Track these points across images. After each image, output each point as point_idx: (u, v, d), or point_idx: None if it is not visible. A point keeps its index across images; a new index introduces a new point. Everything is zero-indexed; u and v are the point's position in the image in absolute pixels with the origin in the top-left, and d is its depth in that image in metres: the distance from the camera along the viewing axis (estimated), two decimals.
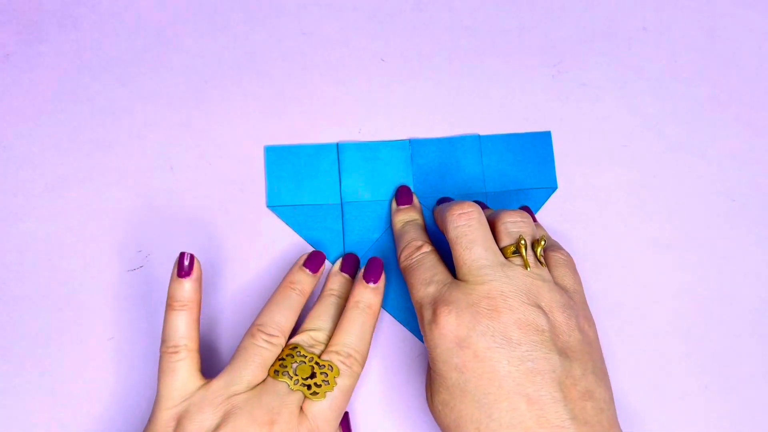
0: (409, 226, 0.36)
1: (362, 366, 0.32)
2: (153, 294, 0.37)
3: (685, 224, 0.39)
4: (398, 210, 0.37)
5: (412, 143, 0.39)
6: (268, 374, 0.31)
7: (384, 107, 0.41)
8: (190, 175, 0.39)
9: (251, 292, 0.37)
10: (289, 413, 0.29)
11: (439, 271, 0.31)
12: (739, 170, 0.40)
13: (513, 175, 0.39)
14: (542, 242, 0.31)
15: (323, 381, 0.30)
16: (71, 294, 0.37)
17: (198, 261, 0.32)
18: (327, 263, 0.37)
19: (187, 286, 0.31)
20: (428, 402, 0.31)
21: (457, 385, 0.28)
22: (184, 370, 0.30)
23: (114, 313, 0.37)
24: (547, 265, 0.32)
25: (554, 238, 0.38)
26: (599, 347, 0.31)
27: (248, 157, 0.40)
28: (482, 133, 0.40)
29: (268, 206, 0.39)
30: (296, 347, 0.32)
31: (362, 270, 0.35)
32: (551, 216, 0.39)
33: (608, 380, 0.30)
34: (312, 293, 0.35)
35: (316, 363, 0.31)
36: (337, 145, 0.40)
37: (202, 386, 0.30)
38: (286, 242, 0.38)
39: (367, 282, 0.34)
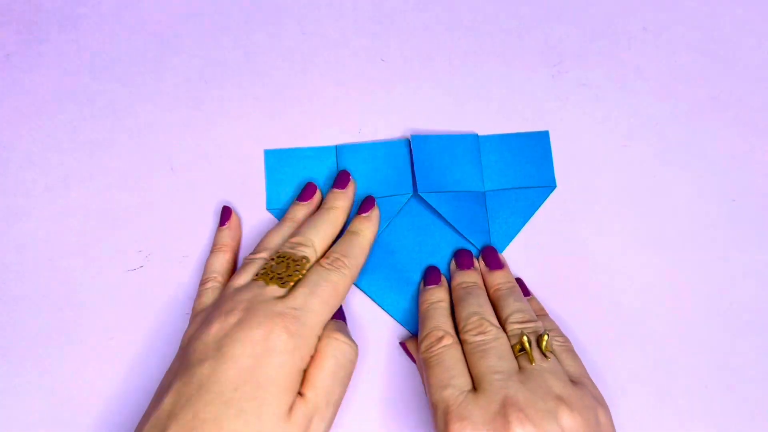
0: (433, 311, 0.35)
1: (352, 270, 0.34)
2: (153, 294, 0.37)
3: (685, 224, 0.39)
4: (425, 290, 0.36)
5: (413, 139, 0.39)
6: (252, 280, 0.33)
7: (384, 107, 0.41)
8: (190, 175, 0.39)
9: None
10: (260, 300, 0.31)
11: (458, 373, 0.31)
12: (739, 170, 0.40)
13: (512, 174, 0.39)
14: (545, 337, 0.32)
15: (294, 271, 0.32)
16: (71, 294, 0.37)
17: (235, 213, 0.38)
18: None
19: (224, 233, 0.37)
20: None
21: None
22: (209, 295, 0.34)
23: (114, 313, 0.37)
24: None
25: (554, 237, 0.38)
26: (614, 429, 0.31)
27: (248, 158, 0.40)
28: (482, 132, 0.40)
29: (267, 209, 0.39)
30: (278, 253, 0.34)
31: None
32: (551, 216, 0.39)
33: None
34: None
35: (292, 260, 0.33)
36: (336, 147, 0.39)
37: None
38: None
39: (361, 213, 0.37)
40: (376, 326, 0.37)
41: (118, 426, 0.35)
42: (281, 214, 0.38)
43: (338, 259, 0.34)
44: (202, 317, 0.32)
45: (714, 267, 0.38)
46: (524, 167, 0.39)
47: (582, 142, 0.40)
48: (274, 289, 0.31)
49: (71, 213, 0.38)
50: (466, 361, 0.32)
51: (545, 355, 0.31)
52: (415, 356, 0.35)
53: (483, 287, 0.36)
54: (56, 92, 0.40)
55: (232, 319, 0.30)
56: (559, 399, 0.29)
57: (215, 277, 0.35)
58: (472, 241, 0.38)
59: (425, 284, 0.37)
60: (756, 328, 0.37)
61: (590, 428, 0.28)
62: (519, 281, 0.37)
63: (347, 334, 0.33)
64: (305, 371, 0.30)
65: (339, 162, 0.39)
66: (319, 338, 0.31)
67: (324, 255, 0.34)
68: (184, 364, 0.29)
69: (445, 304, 0.35)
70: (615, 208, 0.39)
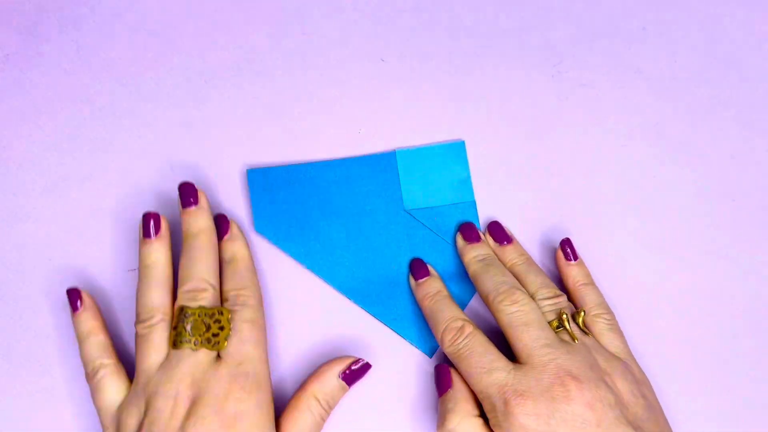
0: (438, 303, 0.34)
1: (256, 298, 0.33)
2: None
3: (685, 224, 0.39)
4: (419, 284, 0.36)
5: (398, 154, 0.39)
6: (169, 348, 0.31)
7: (384, 108, 0.41)
8: (190, 175, 0.39)
9: None
10: (201, 371, 0.30)
11: (495, 356, 0.31)
12: (739, 170, 0.40)
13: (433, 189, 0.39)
14: (582, 313, 0.33)
15: (219, 329, 0.31)
16: None
17: (165, 219, 0.34)
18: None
19: (155, 246, 0.33)
20: None
21: None
22: (110, 384, 0.32)
23: (114, 313, 0.37)
24: (595, 333, 0.33)
25: (554, 237, 0.38)
26: (661, 408, 0.32)
27: (248, 158, 0.39)
28: (482, 132, 0.40)
29: (256, 230, 0.38)
30: (182, 309, 0.31)
31: None
32: (551, 216, 0.39)
33: None
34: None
35: (206, 314, 0.31)
36: (323, 163, 0.39)
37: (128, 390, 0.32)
38: None
39: (222, 237, 0.35)
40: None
41: None
42: (273, 236, 0.38)
43: (238, 295, 0.32)
44: (137, 405, 0.30)
45: (714, 267, 0.38)
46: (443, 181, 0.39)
47: (582, 142, 0.40)
48: (206, 353, 0.30)
49: (71, 213, 0.38)
50: (504, 334, 0.32)
51: (584, 331, 0.32)
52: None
53: (497, 258, 0.36)
54: (56, 92, 0.40)
55: (184, 400, 0.29)
56: (605, 371, 0.30)
57: (102, 363, 0.32)
58: None
59: (415, 278, 0.36)
60: (756, 328, 0.37)
61: (636, 398, 0.30)
62: (568, 242, 0.36)
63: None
64: (278, 420, 0.31)
65: (327, 177, 0.39)
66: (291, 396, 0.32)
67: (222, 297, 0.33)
68: None
69: (445, 292, 0.35)
70: (615, 208, 0.39)
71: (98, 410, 0.32)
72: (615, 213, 0.39)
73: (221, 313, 0.31)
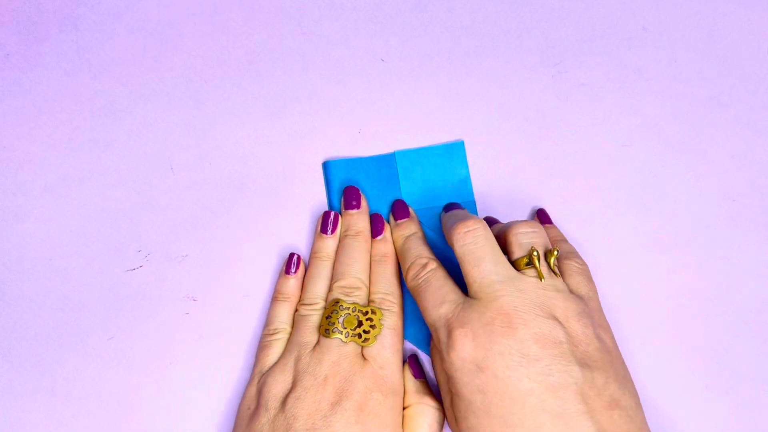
0: (410, 242, 0.36)
1: (399, 305, 0.35)
2: (153, 294, 0.37)
3: (685, 224, 0.39)
4: (397, 225, 0.37)
5: (398, 155, 0.39)
6: (320, 335, 0.33)
7: (384, 108, 0.41)
8: (190, 175, 0.39)
9: (251, 292, 0.37)
10: (349, 363, 0.31)
11: (450, 290, 0.31)
12: (739, 170, 0.40)
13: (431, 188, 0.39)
14: (555, 252, 0.31)
15: (370, 326, 0.33)
16: (71, 294, 0.37)
17: (303, 262, 0.37)
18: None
19: (291, 281, 0.36)
20: (452, 427, 0.31)
21: (482, 408, 0.28)
22: (279, 346, 0.34)
23: (114, 313, 0.37)
24: (562, 274, 0.32)
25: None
26: (619, 354, 0.31)
27: (248, 158, 0.40)
28: (482, 132, 0.40)
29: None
30: (336, 302, 0.34)
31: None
32: (551, 216, 0.39)
33: (633, 386, 0.30)
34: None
35: (359, 311, 0.33)
36: (324, 163, 0.39)
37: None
38: (286, 243, 0.38)
39: (375, 237, 0.37)
40: None
41: (118, 426, 0.35)
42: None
43: (384, 299, 0.34)
44: (285, 374, 0.32)
45: (714, 267, 0.38)
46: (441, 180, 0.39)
47: (582, 142, 0.40)
48: (354, 347, 0.32)
49: (71, 213, 0.38)
50: (461, 270, 0.32)
51: (554, 272, 0.31)
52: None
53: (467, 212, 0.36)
54: (56, 92, 0.41)
55: (331, 387, 0.31)
56: (559, 309, 0.29)
57: (285, 329, 0.35)
58: None
59: (395, 218, 0.37)
60: (756, 328, 0.37)
61: (590, 339, 0.29)
62: (542, 212, 0.38)
63: (433, 395, 0.34)
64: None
65: (329, 178, 0.39)
66: (409, 405, 0.33)
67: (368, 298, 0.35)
68: (287, 428, 0.30)
69: (420, 234, 0.36)
70: (615, 208, 0.39)
71: (256, 363, 0.34)
72: (615, 213, 0.39)
73: (374, 312, 0.33)
